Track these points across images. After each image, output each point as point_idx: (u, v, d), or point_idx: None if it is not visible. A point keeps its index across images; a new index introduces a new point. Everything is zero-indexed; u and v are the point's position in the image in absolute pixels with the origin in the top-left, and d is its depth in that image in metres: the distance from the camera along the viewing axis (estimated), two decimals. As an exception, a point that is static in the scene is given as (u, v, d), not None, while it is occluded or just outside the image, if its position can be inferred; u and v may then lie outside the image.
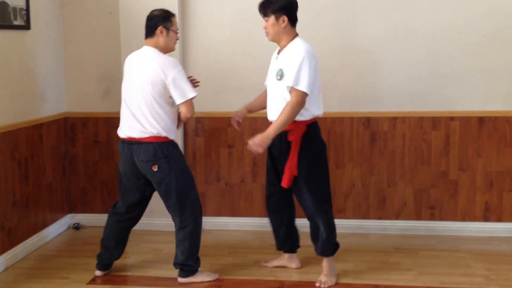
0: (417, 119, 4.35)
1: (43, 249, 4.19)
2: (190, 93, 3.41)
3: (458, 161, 4.35)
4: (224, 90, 4.45)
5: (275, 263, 3.85)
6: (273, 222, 3.77)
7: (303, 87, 3.32)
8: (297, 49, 3.37)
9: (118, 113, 4.50)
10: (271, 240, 4.25)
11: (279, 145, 3.50)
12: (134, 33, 4.37)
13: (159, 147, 3.42)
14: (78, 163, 4.66)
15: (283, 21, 3.37)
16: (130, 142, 3.47)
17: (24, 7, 4.05)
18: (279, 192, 3.63)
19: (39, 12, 4.26)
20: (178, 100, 3.39)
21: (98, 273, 3.72)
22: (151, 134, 3.41)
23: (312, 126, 3.50)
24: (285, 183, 3.49)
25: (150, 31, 3.47)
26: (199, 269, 3.65)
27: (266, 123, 3.57)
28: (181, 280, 3.61)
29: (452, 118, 4.33)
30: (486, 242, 4.26)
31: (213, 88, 4.44)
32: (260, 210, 4.48)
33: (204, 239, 4.20)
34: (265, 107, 3.66)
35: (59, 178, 4.54)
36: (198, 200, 3.58)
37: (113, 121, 4.57)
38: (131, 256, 4.09)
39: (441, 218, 4.40)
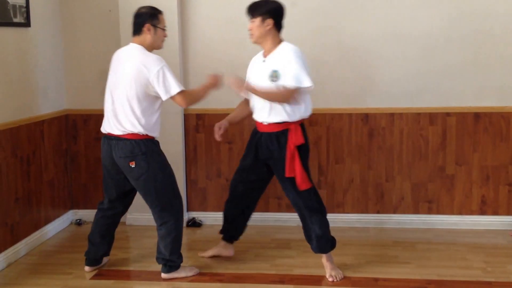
0: (414, 115, 4.40)
1: (45, 245, 4.23)
2: (174, 88, 3.37)
3: (454, 156, 4.41)
4: (224, 87, 4.48)
5: (210, 253, 3.94)
6: (230, 211, 3.85)
7: (306, 83, 3.41)
8: (288, 51, 3.47)
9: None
10: (272, 235, 4.32)
11: (271, 144, 3.55)
12: (134, 31, 4.41)
13: (136, 144, 3.43)
14: (79, 160, 4.69)
15: (268, 24, 3.47)
16: (110, 137, 3.49)
17: (24, 5, 4.06)
18: (248, 189, 3.75)
19: (39, 9, 4.28)
20: (164, 96, 3.39)
21: (87, 269, 3.74)
22: (130, 132, 3.42)
23: (303, 127, 3.59)
24: (303, 185, 3.53)
25: (137, 29, 3.48)
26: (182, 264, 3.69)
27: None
28: (164, 275, 3.63)
29: (448, 114, 4.39)
30: (482, 235, 4.32)
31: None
32: (261, 205, 4.49)
33: (206, 234, 4.28)
34: (245, 116, 3.79)
35: (61, 174, 4.57)
36: (178, 198, 3.60)
37: (114, 117, 4.61)
38: (133, 251, 4.14)
39: (438, 212, 4.47)
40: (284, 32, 4.35)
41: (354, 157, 4.48)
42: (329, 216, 4.45)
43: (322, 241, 3.62)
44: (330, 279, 3.60)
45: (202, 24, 4.50)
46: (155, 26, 3.47)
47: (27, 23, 4.11)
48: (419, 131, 4.42)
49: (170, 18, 4.39)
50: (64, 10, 4.58)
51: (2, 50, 3.85)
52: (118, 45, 4.42)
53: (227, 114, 4.08)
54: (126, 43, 4.37)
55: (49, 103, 4.41)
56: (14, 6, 3.95)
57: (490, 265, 3.76)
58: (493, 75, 4.33)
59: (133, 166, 3.44)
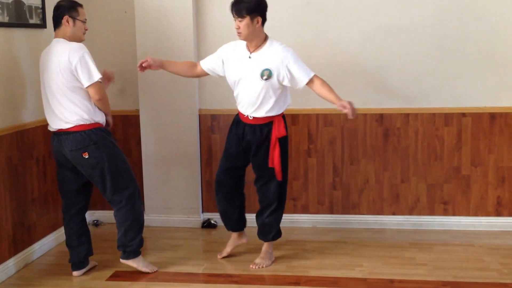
0: (430, 115, 4.39)
1: (62, 246, 4.20)
2: (96, 75, 3.44)
3: (470, 157, 4.39)
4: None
5: (228, 249, 3.99)
6: (225, 206, 3.90)
7: (310, 72, 3.57)
8: (282, 51, 3.55)
9: (135, 111, 4.59)
10: (287, 236, 4.31)
11: (253, 134, 3.67)
12: (149, 32, 4.42)
13: (86, 135, 3.48)
14: (94, 161, 4.70)
15: (258, 22, 3.51)
16: (59, 133, 3.53)
17: (40, 6, 4.08)
18: (235, 176, 3.82)
19: (55, 11, 4.29)
20: (85, 83, 3.43)
21: (75, 273, 3.74)
22: (75, 123, 3.47)
23: (284, 119, 3.73)
24: (280, 176, 3.72)
25: (56, 21, 3.54)
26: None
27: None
28: (122, 261, 3.73)
29: (464, 114, 4.36)
30: (498, 236, 4.30)
31: (228, 85, 4.46)
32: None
33: (222, 235, 4.28)
34: (176, 73, 3.89)
35: (76, 175, 4.59)
36: (134, 182, 3.66)
37: (130, 119, 4.61)
38: (150, 252, 4.14)
39: (454, 213, 4.45)
40: (297, 31, 4.39)
41: (369, 157, 4.47)
42: (345, 217, 4.55)
43: (273, 230, 3.85)
44: (251, 266, 3.80)
45: (217, 27, 4.48)
46: (74, 18, 3.52)
47: (43, 24, 4.12)
48: (434, 132, 4.40)
49: (186, 21, 4.40)
50: (79, 11, 4.59)
51: (18, 51, 3.87)
52: (133, 46, 4.47)
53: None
54: (142, 44, 4.44)
55: (64, 104, 4.42)
56: (30, 7, 3.97)
57: (507, 267, 3.74)
58: (508, 75, 4.30)
59: (86, 157, 3.49)
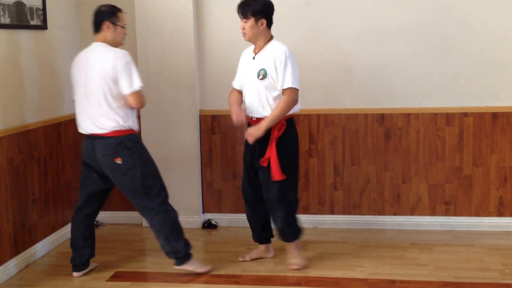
0: (431, 115, 4.37)
1: (63, 246, 4.24)
2: (137, 83, 3.44)
3: (472, 157, 4.37)
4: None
5: (254, 255, 3.95)
6: (250, 213, 3.90)
7: (293, 84, 3.52)
8: (278, 50, 3.54)
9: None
10: (288, 236, 4.31)
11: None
12: (149, 32, 4.43)
13: (120, 140, 3.48)
14: (95, 161, 4.71)
15: (262, 24, 3.54)
16: (93, 137, 3.53)
17: (41, 7, 4.09)
18: (255, 184, 3.78)
19: (56, 12, 4.30)
20: (125, 90, 3.42)
21: (75, 274, 3.73)
22: (112, 129, 3.47)
23: (289, 122, 3.66)
24: (276, 176, 3.59)
25: (97, 27, 3.55)
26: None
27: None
28: (177, 267, 3.70)
29: (465, 114, 4.35)
30: (500, 236, 4.29)
31: (228, 85, 4.46)
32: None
33: (222, 236, 4.28)
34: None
35: (78, 176, 4.55)
36: (164, 190, 3.65)
37: (130, 119, 4.62)
38: (150, 253, 4.15)
39: (456, 213, 4.43)
40: (296, 32, 4.38)
41: (370, 158, 4.46)
42: (346, 218, 4.54)
43: (290, 233, 3.76)
44: (291, 267, 3.76)
45: (218, 28, 4.49)
46: (114, 23, 3.53)
47: (44, 26, 4.14)
48: (435, 132, 4.39)
49: (186, 21, 4.41)
50: (80, 12, 4.60)
51: (19, 53, 3.88)
52: (134, 47, 4.47)
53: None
54: (142, 44, 4.44)
55: (65, 105, 4.42)
56: (31, 8, 3.98)
57: (508, 267, 3.73)
58: (510, 74, 4.28)
59: (119, 162, 3.48)
